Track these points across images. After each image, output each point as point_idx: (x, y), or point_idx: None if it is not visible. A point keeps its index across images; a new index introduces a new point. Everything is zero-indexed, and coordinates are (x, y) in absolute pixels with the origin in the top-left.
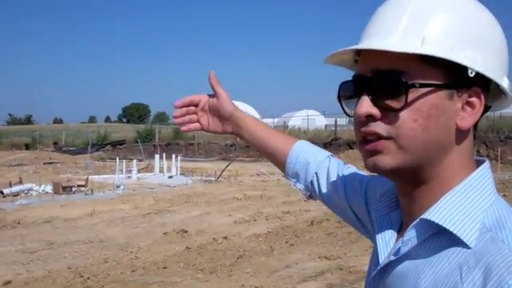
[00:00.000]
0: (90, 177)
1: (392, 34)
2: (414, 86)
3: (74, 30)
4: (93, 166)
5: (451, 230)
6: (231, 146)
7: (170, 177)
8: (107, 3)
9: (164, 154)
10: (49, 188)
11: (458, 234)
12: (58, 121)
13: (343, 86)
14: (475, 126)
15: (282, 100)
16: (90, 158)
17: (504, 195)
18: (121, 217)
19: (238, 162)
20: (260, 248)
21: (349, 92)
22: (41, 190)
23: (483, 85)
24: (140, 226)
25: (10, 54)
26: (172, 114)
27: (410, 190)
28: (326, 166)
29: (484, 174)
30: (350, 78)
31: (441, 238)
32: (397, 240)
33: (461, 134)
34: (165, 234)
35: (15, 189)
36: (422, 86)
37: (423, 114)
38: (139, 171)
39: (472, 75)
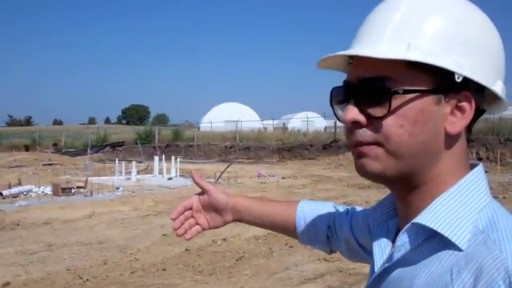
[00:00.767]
0: (89, 178)
1: (380, 39)
2: (397, 92)
3: (74, 31)
4: (92, 167)
5: (442, 233)
6: (231, 147)
7: (170, 178)
8: (107, 4)
9: (163, 156)
10: (48, 189)
11: (449, 237)
12: (57, 122)
13: (335, 91)
14: (469, 129)
15: (282, 102)
16: (90, 160)
17: (504, 197)
18: (120, 218)
19: (237, 163)
20: (259, 250)
21: (340, 97)
22: (40, 192)
23: (475, 89)
24: (139, 227)
25: (9, 55)
26: (172, 227)
27: (404, 195)
28: (333, 219)
29: (477, 176)
30: (341, 84)
31: (434, 242)
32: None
33: (451, 139)
34: (164, 235)
35: (14, 190)
36: (406, 92)
37: (409, 120)
38: (139, 173)
39: (459, 80)
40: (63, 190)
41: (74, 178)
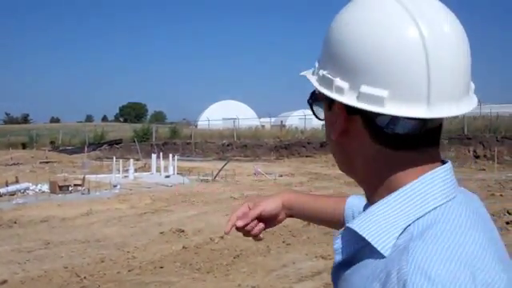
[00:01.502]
0: (86, 176)
1: None
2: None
3: (71, 28)
4: (89, 165)
5: (367, 238)
6: (228, 145)
7: (167, 176)
8: (105, 2)
9: (161, 154)
10: (45, 187)
11: (372, 243)
12: (54, 120)
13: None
14: (396, 137)
15: (279, 99)
16: (87, 158)
17: (501, 195)
18: (117, 216)
19: (234, 161)
20: (257, 247)
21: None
22: (37, 190)
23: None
24: (137, 225)
25: (6, 53)
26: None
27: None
28: None
29: (425, 183)
30: None
31: (366, 247)
32: None
33: (351, 146)
34: (161, 233)
35: (12, 188)
36: (310, 99)
37: (325, 127)
38: (136, 170)
39: (318, 92)
40: (60, 187)
41: (71, 176)
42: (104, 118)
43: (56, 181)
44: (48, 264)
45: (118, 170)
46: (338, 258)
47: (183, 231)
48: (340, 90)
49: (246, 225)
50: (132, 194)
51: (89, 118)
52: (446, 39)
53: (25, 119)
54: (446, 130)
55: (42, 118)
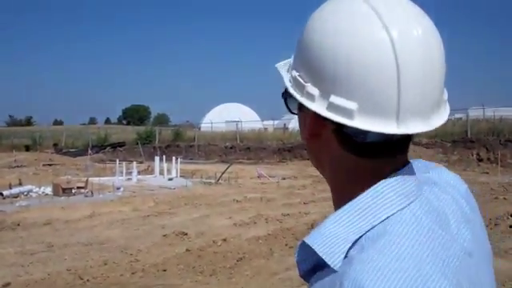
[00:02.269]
0: (89, 179)
1: None
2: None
3: (75, 31)
4: (93, 167)
5: (319, 253)
6: (231, 148)
7: (170, 179)
8: (107, 4)
9: (164, 156)
10: (49, 190)
11: (323, 258)
12: (58, 122)
13: None
14: (366, 146)
15: (282, 102)
16: (90, 160)
17: (504, 198)
18: (120, 219)
19: (237, 164)
20: (260, 250)
21: None
22: (41, 192)
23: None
24: (140, 228)
25: (10, 55)
26: None
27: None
28: None
29: (379, 192)
30: None
31: (321, 260)
32: None
33: (319, 150)
34: (165, 236)
35: (15, 190)
36: (283, 95)
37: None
38: (139, 173)
39: (290, 90)
40: (64, 190)
41: (74, 179)
42: (107, 121)
43: (59, 183)
44: (51, 267)
45: (122, 173)
46: (300, 270)
47: (186, 234)
48: (310, 97)
49: None
50: (135, 196)
51: (92, 121)
52: (419, 53)
53: (28, 121)
54: (449, 132)
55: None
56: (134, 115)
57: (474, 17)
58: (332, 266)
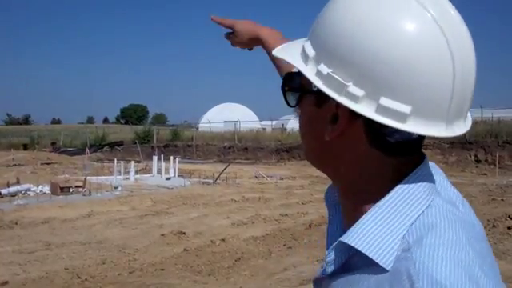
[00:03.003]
0: (87, 178)
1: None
2: (285, 88)
3: (72, 30)
4: (91, 166)
5: (367, 253)
6: (229, 148)
7: (168, 178)
8: (105, 3)
9: (162, 156)
10: (46, 188)
11: (373, 258)
12: (56, 121)
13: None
14: (384, 143)
15: (281, 103)
16: (88, 159)
17: (502, 200)
18: (118, 218)
19: (235, 164)
20: (258, 250)
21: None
22: (38, 191)
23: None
24: (138, 227)
25: (7, 54)
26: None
27: (340, 196)
28: None
29: (410, 186)
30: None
31: (362, 258)
32: None
33: (340, 147)
34: (162, 235)
35: (13, 189)
36: (292, 89)
37: (302, 119)
38: (137, 172)
39: (315, 89)
40: (62, 189)
41: (72, 178)
42: (105, 120)
43: (57, 182)
44: (49, 265)
45: (119, 172)
46: (330, 269)
47: (184, 233)
48: (353, 98)
49: (219, 23)
50: (133, 195)
51: (90, 120)
52: (470, 54)
53: (26, 120)
54: None
55: (43, 119)
56: (132, 115)
57: (471, 18)
58: (384, 265)
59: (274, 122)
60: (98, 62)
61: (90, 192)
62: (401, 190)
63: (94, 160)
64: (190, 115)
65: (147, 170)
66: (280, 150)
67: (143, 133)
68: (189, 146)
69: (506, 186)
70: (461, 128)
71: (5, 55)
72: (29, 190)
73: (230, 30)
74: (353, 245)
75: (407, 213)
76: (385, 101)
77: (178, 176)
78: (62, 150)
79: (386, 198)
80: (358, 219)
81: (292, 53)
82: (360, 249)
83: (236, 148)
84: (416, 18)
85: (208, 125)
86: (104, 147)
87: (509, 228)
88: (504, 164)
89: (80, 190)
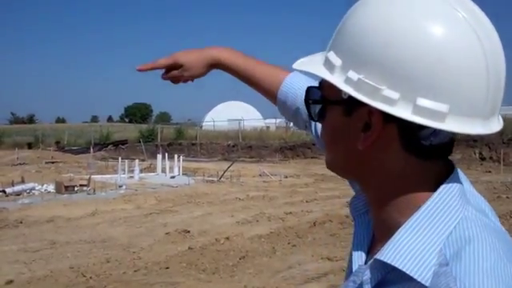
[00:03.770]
0: (92, 176)
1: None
2: (309, 100)
3: (77, 28)
4: (95, 165)
5: (404, 270)
6: (233, 146)
7: (173, 177)
8: (109, 3)
9: (166, 154)
10: (51, 187)
11: (411, 274)
12: (60, 120)
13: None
14: (421, 149)
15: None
16: (93, 158)
17: (507, 197)
18: (123, 217)
19: (240, 162)
20: (262, 249)
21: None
22: (43, 190)
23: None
24: (142, 225)
25: (12, 53)
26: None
27: (368, 196)
28: None
29: (445, 195)
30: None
31: (399, 273)
32: (370, 252)
33: (375, 157)
34: (167, 234)
35: (17, 188)
36: (315, 101)
37: (327, 130)
38: (141, 171)
39: (345, 97)
40: (66, 188)
41: (76, 176)
42: (109, 119)
43: (62, 181)
44: (54, 264)
45: (124, 171)
46: (367, 287)
47: (189, 232)
48: (389, 101)
49: (152, 68)
50: (137, 194)
51: (94, 119)
52: (500, 51)
53: (30, 119)
54: None
55: (48, 118)
56: (136, 113)
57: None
58: (422, 281)
59: (278, 121)
60: (102, 60)
61: (94, 191)
62: (437, 200)
63: (98, 159)
64: (194, 114)
65: (151, 169)
66: (284, 149)
67: (147, 131)
68: (193, 144)
69: (511, 184)
70: (496, 125)
71: (9, 54)
72: (33, 188)
73: (163, 70)
74: (390, 262)
75: (442, 224)
76: (421, 101)
77: (183, 174)
78: (66, 148)
79: (422, 208)
80: (391, 231)
81: (314, 65)
82: (397, 265)
83: (240, 146)
84: (448, 18)
85: (212, 123)
86: (108, 146)
87: None
88: (509, 161)
89: (84, 188)
